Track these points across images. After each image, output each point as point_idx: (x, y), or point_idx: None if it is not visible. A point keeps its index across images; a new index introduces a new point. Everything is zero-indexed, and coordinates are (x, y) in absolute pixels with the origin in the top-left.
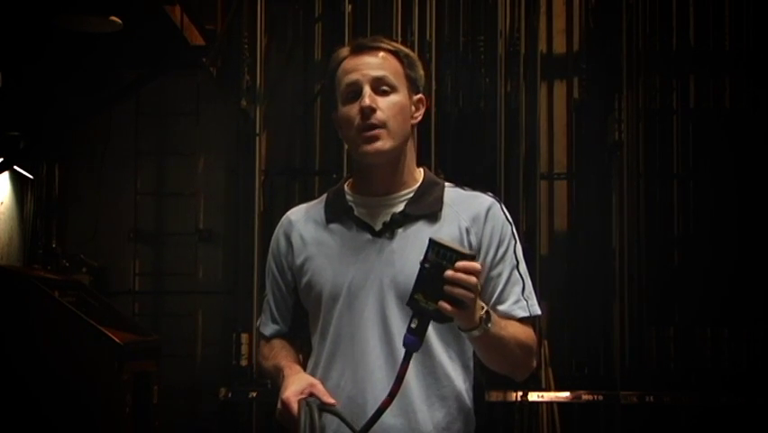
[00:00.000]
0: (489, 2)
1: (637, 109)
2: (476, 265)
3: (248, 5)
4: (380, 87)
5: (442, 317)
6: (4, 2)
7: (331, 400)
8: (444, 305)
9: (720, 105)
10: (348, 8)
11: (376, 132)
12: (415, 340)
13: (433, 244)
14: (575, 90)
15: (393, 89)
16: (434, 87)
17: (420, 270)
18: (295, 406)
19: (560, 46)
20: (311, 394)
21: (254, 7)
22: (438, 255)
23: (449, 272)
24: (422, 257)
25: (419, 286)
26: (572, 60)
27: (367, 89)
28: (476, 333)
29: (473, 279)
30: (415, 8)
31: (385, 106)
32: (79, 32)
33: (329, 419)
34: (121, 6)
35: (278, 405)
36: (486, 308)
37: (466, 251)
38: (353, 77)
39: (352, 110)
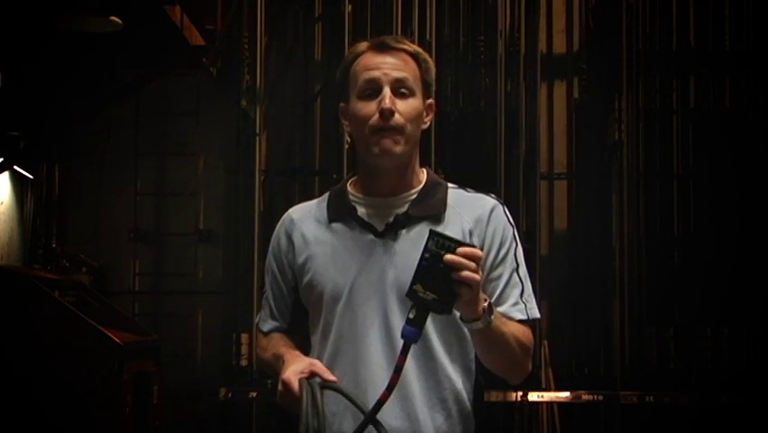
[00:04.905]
0: (489, 2)
1: (637, 109)
2: (477, 251)
3: (248, 5)
4: (400, 89)
5: (440, 308)
6: (4, 2)
7: (332, 377)
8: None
9: (720, 105)
10: (348, 8)
11: (392, 134)
12: (413, 331)
13: (433, 234)
14: (575, 90)
15: (411, 93)
16: (434, 87)
17: (420, 261)
18: (296, 385)
19: (560, 46)
20: (312, 373)
21: (254, 7)
22: (438, 245)
23: (449, 256)
24: (422, 248)
25: (418, 276)
26: (572, 60)
27: (387, 90)
28: (479, 324)
29: (473, 264)
30: (415, 8)
31: (403, 110)
32: (79, 32)
33: (332, 416)
34: (121, 6)
35: (279, 386)
36: (489, 300)
37: (466, 241)
38: (374, 74)
39: (369, 108)
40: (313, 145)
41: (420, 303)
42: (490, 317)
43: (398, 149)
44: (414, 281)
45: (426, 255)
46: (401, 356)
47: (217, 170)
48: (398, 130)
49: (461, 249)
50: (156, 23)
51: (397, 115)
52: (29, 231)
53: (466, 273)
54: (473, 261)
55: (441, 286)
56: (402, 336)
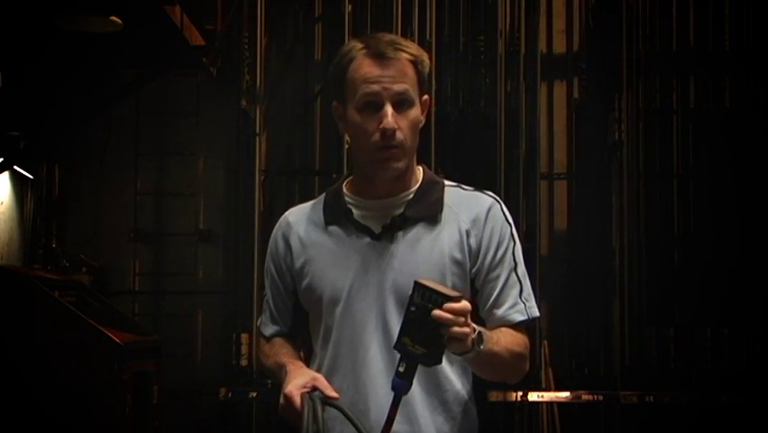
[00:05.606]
0: (489, 2)
1: (637, 109)
2: (465, 305)
3: (248, 5)
4: (401, 102)
5: (430, 361)
6: (4, 2)
7: (334, 394)
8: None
9: (720, 105)
10: (348, 8)
11: (395, 152)
12: (403, 384)
13: (418, 286)
14: (575, 90)
15: (411, 104)
16: (434, 87)
17: (406, 313)
18: (297, 400)
19: (560, 46)
20: (314, 388)
21: (254, 7)
22: (424, 298)
23: (436, 312)
24: (408, 300)
25: (406, 329)
26: (572, 60)
27: (389, 108)
28: (469, 355)
29: (462, 319)
30: (415, 8)
31: (404, 125)
32: (79, 32)
33: (333, 420)
34: (121, 6)
35: (281, 399)
36: (478, 329)
37: (452, 292)
38: (374, 88)
39: (370, 124)
40: (313, 145)
41: (409, 357)
42: (480, 346)
43: (400, 164)
44: (401, 334)
45: (412, 309)
46: (392, 408)
47: (217, 170)
48: (400, 147)
49: (447, 305)
50: (156, 23)
51: (398, 133)
52: (29, 231)
53: (455, 330)
54: (461, 315)
55: (429, 340)
56: (393, 389)
